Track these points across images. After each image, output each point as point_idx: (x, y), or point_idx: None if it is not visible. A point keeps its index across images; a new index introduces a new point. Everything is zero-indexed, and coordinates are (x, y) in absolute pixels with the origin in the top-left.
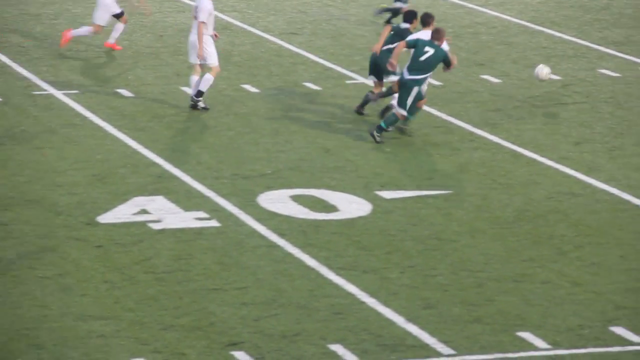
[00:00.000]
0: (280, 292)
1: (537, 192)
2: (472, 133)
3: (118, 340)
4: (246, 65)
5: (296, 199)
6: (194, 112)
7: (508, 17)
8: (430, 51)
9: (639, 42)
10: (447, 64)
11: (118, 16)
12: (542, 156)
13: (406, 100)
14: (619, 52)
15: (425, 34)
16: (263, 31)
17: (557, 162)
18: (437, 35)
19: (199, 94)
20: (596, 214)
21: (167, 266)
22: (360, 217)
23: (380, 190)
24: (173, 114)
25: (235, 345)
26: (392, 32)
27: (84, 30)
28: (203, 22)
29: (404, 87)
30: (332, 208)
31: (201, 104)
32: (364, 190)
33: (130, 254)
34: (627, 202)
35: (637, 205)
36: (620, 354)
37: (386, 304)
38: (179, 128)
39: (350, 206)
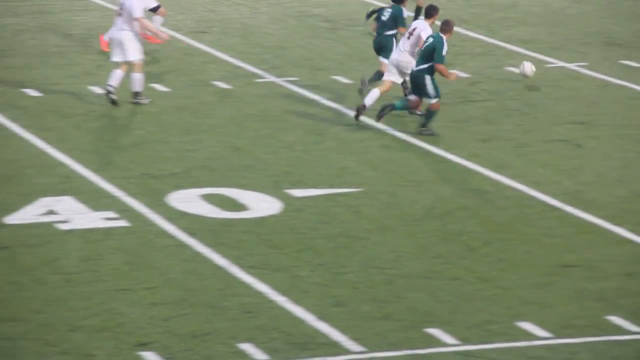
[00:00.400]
0: (190, 292)
1: (445, 189)
2: (382, 131)
3: (25, 342)
4: (156, 64)
5: (206, 198)
6: (104, 111)
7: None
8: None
9: (545, 40)
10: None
11: (154, 10)
12: (451, 153)
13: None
14: (526, 49)
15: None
16: (172, 30)
17: (466, 159)
18: (446, 27)
19: (137, 94)
20: (504, 211)
21: (75, 267)
22: (270, 216)
23: (290, 188)
24: (82, 113)
25: (145, 346)
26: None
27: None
28: (141, 17)
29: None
30: (242, 207)
31: (144, 100)
32: (274, 189)
33: (37, 255)
34: (534, 198)
35: (543, 202)
36: (527, 348)
37: (297, 302)
38: (87, 128)
39: (261, 205)
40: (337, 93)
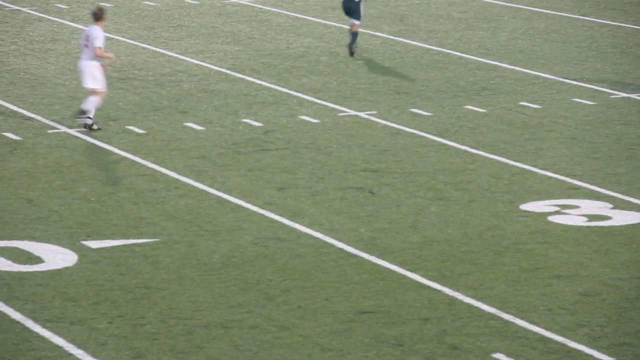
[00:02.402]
0: None
1: (243, 237)
2: (177, 180)
3: None
4: None
5: None
6: None
7: (208, 65)
8: None
9: (336, 89)
10: None
11: None
12: (247, 202)
13: None
14: (317, 98)
15: None
16: None
17: (262, 207)
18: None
19: (84, 112)
20: (301, 258)
21: None
22: (66, 268)
23: (86, 240)
24: None
25: None
26: None
27: None
28: (100, 47)
29: None
30: (36, 259)
31: (88, 122)
32: (70, 241)
33: None
34: (331, 245)
35: (340, 249)
36: None
37: (94, 355)
38: None
39: (56, 257)
40: (130, 143)
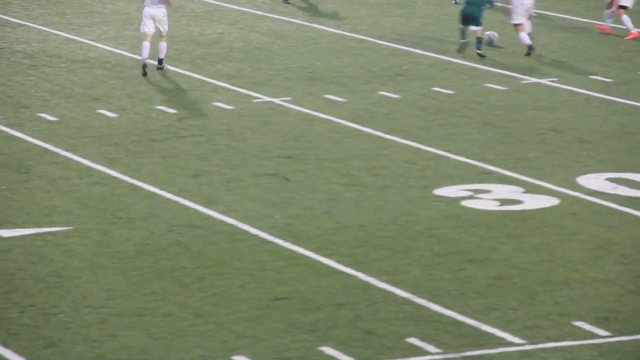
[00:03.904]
0: None
1: (157, 225)
2: (90, 168)
3: None
4: None
5: None
6: None
7: (121, 52)
8: None
9: (250, 75)
10: None
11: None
12: (161, 189)
13: None
14: (231, 85)
15: None
16: None
17: (176, 194)
18: None
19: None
20: (216, 245)
21: None
22: None
23: None
24: None
25: None
26: None
27: None
28: None
29: None
30: None
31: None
32: None
33: None
34: (245, 232)
35: (255, 235)
36: None
37: (5, 345)
38: None
39: None
40: (42, 130)
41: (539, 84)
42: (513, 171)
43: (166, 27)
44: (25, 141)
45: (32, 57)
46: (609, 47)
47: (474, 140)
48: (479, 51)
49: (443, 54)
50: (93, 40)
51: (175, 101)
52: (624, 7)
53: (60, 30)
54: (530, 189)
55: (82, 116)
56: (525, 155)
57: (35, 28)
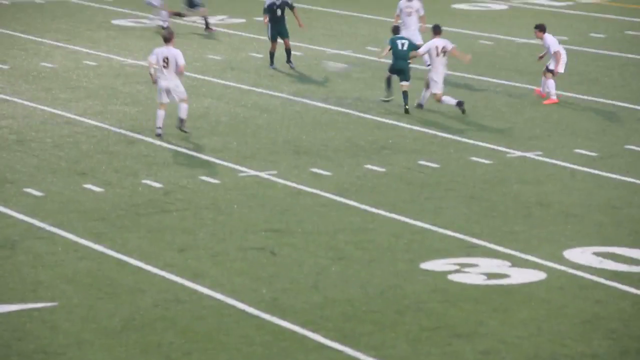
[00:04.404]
0: None
1: (143, 300)
2: (76, 243)
3: None
4: None
5: None
6: None
7: (107, 126)
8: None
9: (236, 149)
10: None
11: None
12: (148, 264)
13: None
14: (217, 159)
15: None
16: None
17: (162, 269)
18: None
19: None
20: (203, 320)
21: None
22: None
23: None
24: None
25: None
26: None
27: None
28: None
29: None
30: None
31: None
32: None
33: None
34: (232, 306)
35: (241, 310)
36: None
37: None
38: None
39: None
40: (28, 205)
41: (524, 157)
42: (500, 245)
43: (182, 95)
44: (11, 216)
45: (18, 133)
46: (594, 120)
47: (460, 213)
48: (406, 106)
49: (428, 128)
50: (79, 115)
51: (161, 175)
52: (551, 71)
53: (46, 106)
54: (517, 262)
55: (68, 191)
56: (512, 229)
57: (21, 103)
